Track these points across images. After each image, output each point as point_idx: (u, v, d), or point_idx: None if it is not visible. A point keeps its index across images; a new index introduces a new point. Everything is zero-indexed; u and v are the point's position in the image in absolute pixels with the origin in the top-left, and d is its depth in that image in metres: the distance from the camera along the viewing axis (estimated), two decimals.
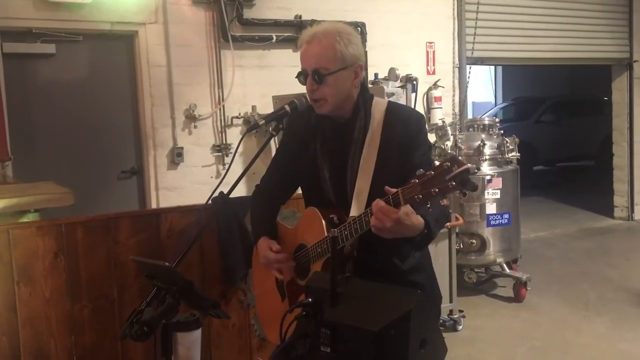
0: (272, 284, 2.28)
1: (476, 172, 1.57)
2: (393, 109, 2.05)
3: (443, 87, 6.25)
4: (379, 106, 2.04)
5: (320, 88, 1.97)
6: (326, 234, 1.94)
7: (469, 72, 6.51)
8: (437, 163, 1.62)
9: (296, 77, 2.04)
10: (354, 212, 1.94)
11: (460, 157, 1.63)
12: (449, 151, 5.25)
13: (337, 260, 1.64)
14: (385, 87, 5.19)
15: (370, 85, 5.50)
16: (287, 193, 2.34)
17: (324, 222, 1.98)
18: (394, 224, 1.69)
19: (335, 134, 2.06)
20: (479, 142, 5.18)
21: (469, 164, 1.55)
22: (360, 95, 2.04)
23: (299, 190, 2.29)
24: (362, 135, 2.01)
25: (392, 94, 5.17)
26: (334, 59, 1.94)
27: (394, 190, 1.67)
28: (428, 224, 1.79)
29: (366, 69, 5.74)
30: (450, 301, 4.53)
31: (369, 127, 2.00)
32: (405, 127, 1.99)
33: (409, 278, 2.04)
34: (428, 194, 1.58)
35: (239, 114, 5.31)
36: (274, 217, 2.32)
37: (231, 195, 2.28)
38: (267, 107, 5.11)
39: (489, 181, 5.14)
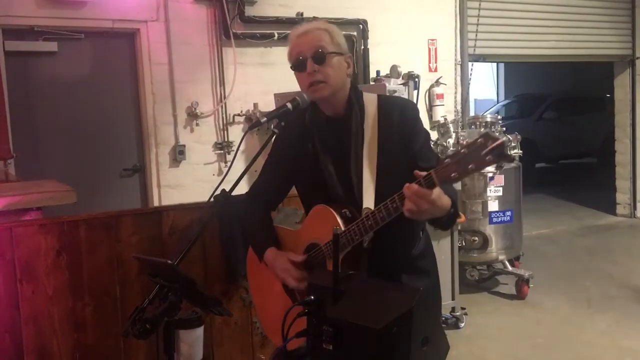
0: (278, 289, 2.23)
1: (511, 145, 1.60)
2: (385, 100, 2.09)
3: (445, 85, 6.24)
4: (370, 99, 2.07)
5: (322, 69, 1.98)
6: (343, 229, 1.93)
7: (471, 69, 6.50)
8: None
9: (291, 68, 2.04)
10: (367, 203, 1.94)
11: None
12: (451, 148, 5.25)
13: (339, 256, 1.63)
14: (387, 85, 5.19)
15: (372, 83, 5.52)
16: (281, 197, 2.35)
17: (338, 217, 1.97)
18: (430, 206, 1.70)
19: (333, 130, 2.07)
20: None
21: (504, 138, 1.57)
22: (352, 91, 2.07)
23: (294, 190, 2.29)
24: (360, 128, 2.02)
25: (394, 92, 5.16)
26: (332, 42, 2.00)
27: (424, 173, 1.67)
28: (454, 202, 1.81)
29: (368, 66, 5.75)
30: (453, 299, 4.52)
31: (365, 120, 2.02)
32: (402, 115, 2.02)
33: (418, 264, 2.09)
34: (464, 170, 1.59)
35: (241, 112, 5.30)
36: (271, 224, 2.30)
37: (233, 193, 2.27)
38: (269, 105, 5.10)
39: (491, 178, 5.14)
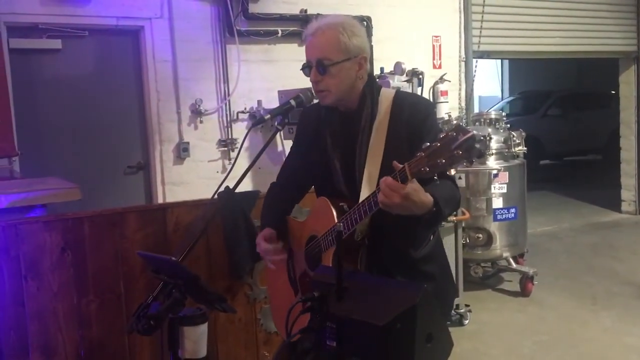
0: (284, 279, 2.26)
1: (482, 139, 1.59)
2: (401, 96, 2.06)
3: (449, 81, 6.22)
4: (386, 95, 2.05)
5: (324, 79, 1.98)
6: (337, 222, 1.93)
7: (476, 66, 6.48)
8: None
9: (301, 70, 2.05)
10: (363, 197, 1.94)
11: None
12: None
13: (342, 254, 1.63)
14: (391, 82, 5.18)
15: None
16: (301, 188, 2.34)
17: (334, 210, 1.97)
18: (402, 200, 1.68)
19: (343, 124, 2.07)
20: (486, 136, 5.16)
21: (473, 131, 1.56)
22: (367, 85, 2.05)
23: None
24: (369, 123, 2.01)
25: (398, 89, 5.15)
26: (338, 49, 1.95)
27: (401, 165, 1.67)
28: (437, 202, 1.76)
29: (372, 63, 5.72)
30: (457, 295, 4.52)
31: (376, 115, 2.01)
32: (413, 112, 1.99)
33: (421, 267, 2.04)
34: (434, 164, 1.57)
35: (245, 109, 5.30)
36: (284, 211, 2.30)
37: (237, 190, 2.28)
38: (272, 102, 5.10)
39: (496, 175, 5.13)
